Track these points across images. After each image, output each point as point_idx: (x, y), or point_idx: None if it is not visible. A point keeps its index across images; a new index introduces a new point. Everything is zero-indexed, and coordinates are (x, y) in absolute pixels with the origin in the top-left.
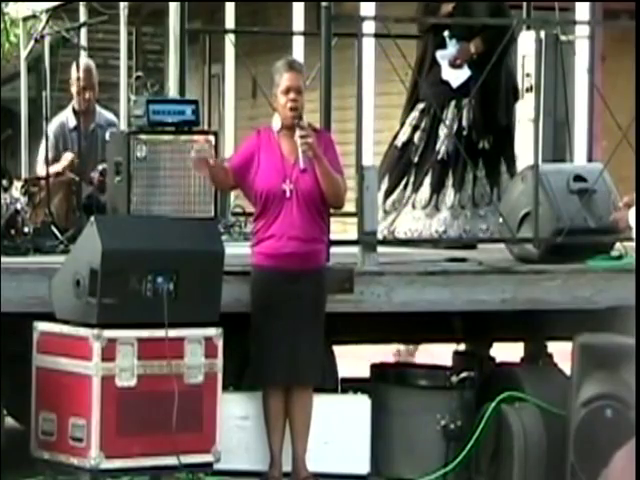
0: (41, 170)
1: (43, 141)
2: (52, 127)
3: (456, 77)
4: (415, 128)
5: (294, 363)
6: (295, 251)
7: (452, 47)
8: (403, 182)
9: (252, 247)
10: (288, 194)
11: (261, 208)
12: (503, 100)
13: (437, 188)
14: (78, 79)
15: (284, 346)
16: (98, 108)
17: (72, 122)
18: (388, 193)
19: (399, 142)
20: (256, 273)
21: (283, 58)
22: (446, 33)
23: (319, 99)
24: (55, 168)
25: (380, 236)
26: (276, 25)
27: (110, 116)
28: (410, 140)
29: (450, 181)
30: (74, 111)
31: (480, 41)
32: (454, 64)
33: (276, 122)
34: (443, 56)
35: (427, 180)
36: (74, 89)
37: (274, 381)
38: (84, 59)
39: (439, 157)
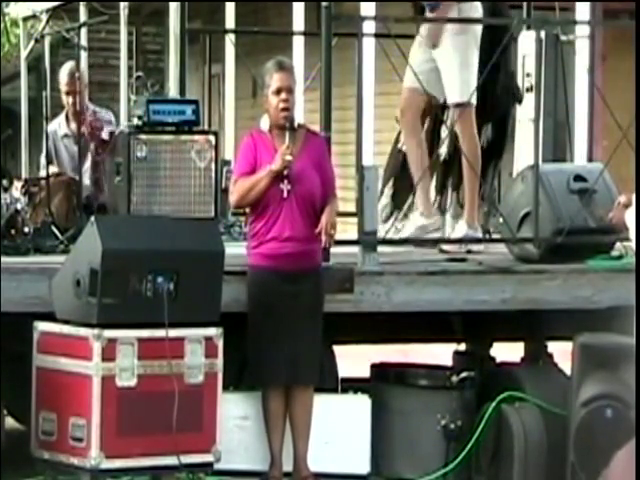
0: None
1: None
2: (46, 136)
3: None
4: None
5: (293, 363)
6: (292, 251)
7: None
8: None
9: (250, 249)
10: (285, 194)
11: (260, 209)
12: (502, 98)
13: (440, 190)
14: (72, 84)
15: (282, 347)
16: (95, 108)
17: (63, 129)
18: (394, 197)
19: (404, 146)
20: (253, 274)
21: (272, 59)
22: None
23: (319, 99)
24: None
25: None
26: (276, 25)
27: (108, 115)
28: None
29: (450, 181)
30: (67, 117)
31: None
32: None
33: (264, 123)
34: None
35: (433, 183)
36: (62, 94)
37: (273, 382)
38: (68, 63)
39: (441, 159)
